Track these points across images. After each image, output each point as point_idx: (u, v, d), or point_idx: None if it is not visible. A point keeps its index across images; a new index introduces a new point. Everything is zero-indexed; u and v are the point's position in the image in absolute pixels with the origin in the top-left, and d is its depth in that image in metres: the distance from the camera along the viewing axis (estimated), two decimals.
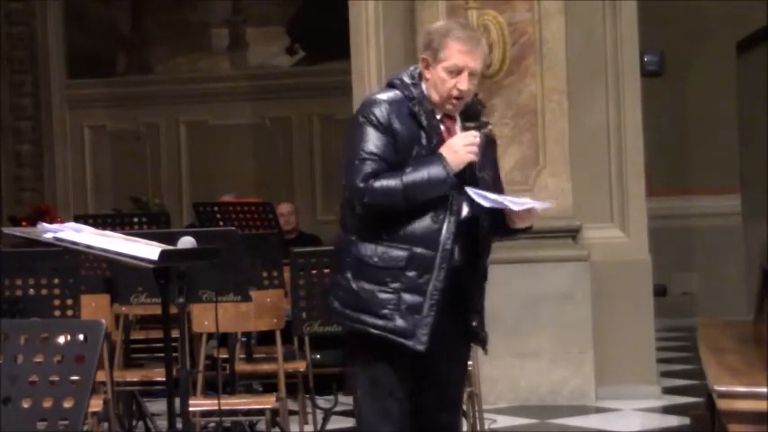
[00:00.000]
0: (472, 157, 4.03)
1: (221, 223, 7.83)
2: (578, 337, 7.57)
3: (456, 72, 4.03)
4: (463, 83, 4.04)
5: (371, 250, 3.99)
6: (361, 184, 3.95)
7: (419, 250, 3.97)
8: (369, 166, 3.96)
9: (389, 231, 3.99)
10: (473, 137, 4.04)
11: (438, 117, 4.09)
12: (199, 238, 4.35)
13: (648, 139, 8.32)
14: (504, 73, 7.69)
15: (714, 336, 4.99)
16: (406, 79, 4.10)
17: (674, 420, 7.05)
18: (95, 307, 5.86)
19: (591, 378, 7.58)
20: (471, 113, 4.15)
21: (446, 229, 3.99)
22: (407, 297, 3.96)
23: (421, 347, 3.98)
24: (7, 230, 4.76)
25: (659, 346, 8.33)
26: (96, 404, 5.52)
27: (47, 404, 2.79)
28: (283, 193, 11.13)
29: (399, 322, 3.96)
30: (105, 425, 5.86)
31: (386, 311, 3.97)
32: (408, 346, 3.97)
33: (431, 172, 3.96)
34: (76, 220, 6.17)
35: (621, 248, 7.83)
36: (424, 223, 3.99)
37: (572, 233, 7.75)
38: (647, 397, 7.63)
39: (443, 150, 4.01)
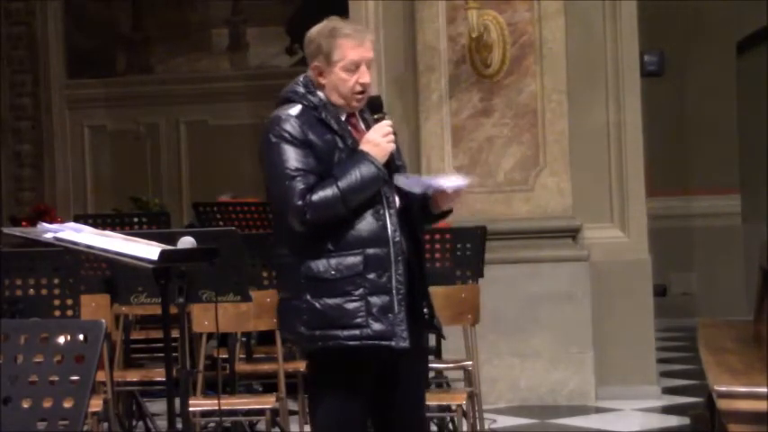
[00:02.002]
0: (393, 147, 4.02)
1: (221, 223, 7.82)
2: (578, 337, 7.58)
3: (354, 68, 4.01)
4: (364, 76, 4.03)
5: (324, 265, 3.92)
6: (300, 203, 3.89)
7: (371, 251, 3.93)
8: (301, 183, 3.91)
9: (335, 241, 3.93)
10: (387, 126, 4.03)
11: (343, 118, 4.06)
12: (199, 238, 4.35)
13: (648, 139, 8.32)
14: (504, 73, 7.69)
15: (714, 336, 5.00)
16: (301, 89, 4.05)
17: (674, 420, 7.06)
18: (95, 307, 5.86)
19: (591, 378, 7.58)
20: (375, 104, 4.11)
21: (390, 222, 3.97)
22: (375, 300, 3.92)
23: (405, 344, 3.94)
24: (7, 230, 4.76)
25: (659, 346, 8.34)
26: (96, 404, 5.52)
27: (47, 404, 2.79)
28: None
29: (376, 326, 3.91)
30: (105, 425, 5.86)
31: (358, 320, 3.91)
32: (392, 347, 3.93)
33: (362, 171, 3.92)
34: (76, 220, 6.17)
35: (621, 248, 7.83)
36: (367, 223, 3.95)
37: (572, 233, 7.76)
38: (647, 397, 7.63)
39: (364, 147, 3.98)
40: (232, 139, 11.92)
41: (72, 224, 4.31)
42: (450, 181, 4.04)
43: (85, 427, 5.35)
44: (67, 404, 2.77)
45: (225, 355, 6.30)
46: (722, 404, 3.64)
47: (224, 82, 12.06)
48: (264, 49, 12.11)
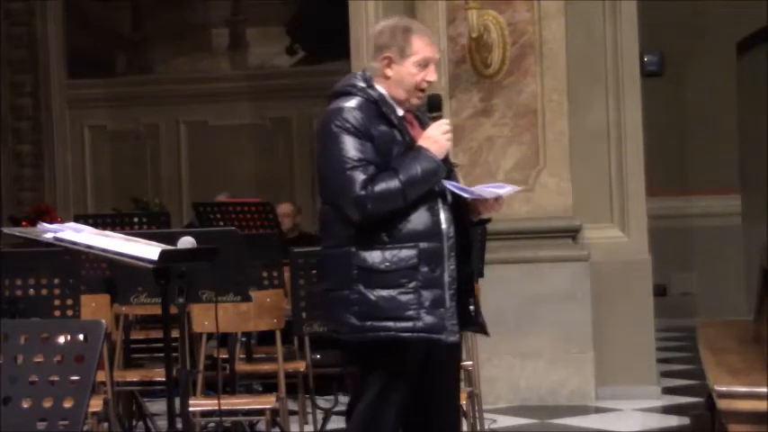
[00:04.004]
0: (450, 144, 4.10)
1: (221, 223, 7.83)
2: (578, 337, 7.57)
3: (425, 65, 4.09)
4: (431, 74, 4.11)
5: (379, 257, 3.96)
6: (362, 192, 3.92)
7: (425, 245, 3.97)
8: (362, 174, 3.94)
9: (390, 233, 3.97)
10: (446, 124, 4.10)
11: (401, 114, 4.11)
12: (199, 238, 4.35)
13: (648, 139, 8.32)
14: (504, 73, 7.69)
15: (714, 336, 4.99)
16: (361, 83, 4.10)
17: (674, 420, 7.06)
18: (95, 307, 5.86)
19: (591, 378, 7.58)
20: (434, 103, 4.19)
21: (444, 219, 4.03)
22: (427, 293, 3.96)
23: (454, 338, 4.02)
24: (7, 230, 4.76)
25: (659, 346, 8.33)
26: (96, 404, 5.51)
27: (47, 404, 2.79)
28: (283, 194, 11.13)
29: (428, 319, 3.96)
30: (105, 425, 5.85)
31: (410, 312, 3.95)
32: (442, 341, 3.99)
33: (423, 166, 3.98)
34: (76, 220, 6.17)
35: (621, 248, 7.83)
36: (422, 218, 4.00)
37: (572, 233, 7.75)
38: (647, 397, 7.63)
39: (424, 143, 4.04)
40: (232, 139, 11.94)
41: (72, 224, 4.31)
42: (496, 190, 4.11)
43: (85, 427, 5.35)
44: (67, 404, 2.77)
45: (225, 355, 6.30)
46: (722, 404, 3.64)
47: (224, 82, 12.07)
48: (264, 49, 12.11)
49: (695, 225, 11.35)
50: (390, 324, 3.96)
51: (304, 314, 5.88)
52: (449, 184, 4.07)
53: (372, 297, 3.96)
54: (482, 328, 4.25)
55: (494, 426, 6.88)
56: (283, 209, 9.19)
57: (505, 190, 4.13)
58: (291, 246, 6.92)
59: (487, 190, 4.11)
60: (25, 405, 2.80)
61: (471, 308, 4.13)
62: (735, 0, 10.99)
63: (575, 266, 7.63)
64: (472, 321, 4.16)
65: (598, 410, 7.39)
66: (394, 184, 3.94)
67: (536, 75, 7.69)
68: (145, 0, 12.25)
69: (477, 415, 6.17)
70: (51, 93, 12.31)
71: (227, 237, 5.31)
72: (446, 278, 3.99)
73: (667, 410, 7.39)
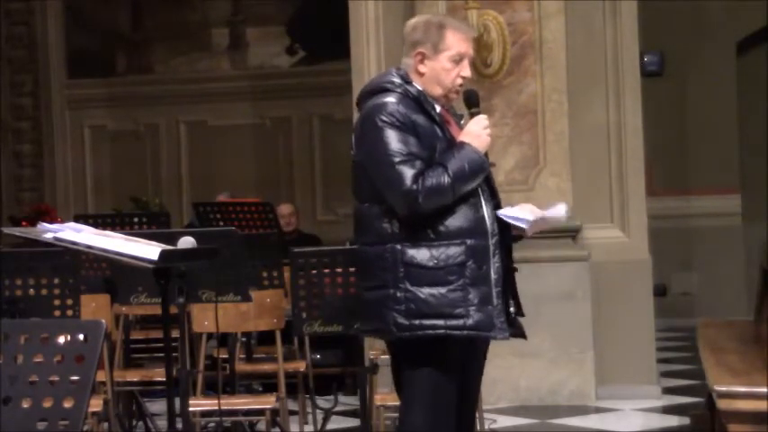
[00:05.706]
0: (490, 140, 4.05)
1: (221, 223, 7.83)
2: (578, 337, 7.57)
3: (459, 60, 4.05)
4: (466, 69, 4.07)
5: (427, 254, 3.91)
6: (414, 186, 3.87)
7: (471, 242, 3.93)
8: (412, 168, 3.89)
9: (436, 230, 3.92)
10: (485, 119, 4.07)
11: (438, 110, 4.07)
12: (199, 238, 4.35)
13: (648, 139, 8.32)
14: (504, 73, 7.69)
15: (714, 336, 4.99)
16: (397, 80, 4.05)
17: (674, 420, 7.05)
18: (95, 307, 5.86)
19: (591, 378, 7.58)
20: (471, 98, 4.17)
21: (488, 216, 4.00)
22: (475, 290, 3.92)
23: (504, 335, 3.99)
24: (7, 230, 4.77)
25: (659, 346, 8.33)
26: (96, 404, 5.52)
27: (47, 404, 2.79)
28: (283, 194, 11.14)
29: (477, 316, 3.92)
30: (105, 425, 5.86)
31: (459, 310, 3.90)
32: (492, 338, 3.98)
33: (470, 161, 3.94)
34: (76, 220, 6.17)
35: (621, 248, 7.83)
36: (467, 215, 3.96)
37: (572, 233, 7.75)
38: (647, 397, 7.63)
39: (466, 138, 4.01)
40: (232, 139, 11.93)
41: (72, 224, 4.31)
42: (551, 215, 4.14)
43: (85, 427, 5.35)
44: (67, 404, 2.77)
45: (225, 355, 6.30)
46: (722, 404, 3.64)
47: (224, 82, 12.06)
48: (264, 49, 12.11)
49: (695, 225, 11.35)
50: (440, 322, 3.90)
51: (304, 314, 5.86)
52: (504, 215, 4.04)
53: (422, 295, 3.89)
54: (520, 332, 4.18)
55: (494, 426, 6.88)
56: (283, 209, 9.20)
57: (561, 214, 4.14)
58: (291, 246, 6.92)
59: (545, 217, 4.10)
60: (25, 405, 2.80)
61: (512, 309, 4.10)
62: (735, 0, 10.99)
63: (575, 266, 7.63)
64: (512, 323, 4.11)
65: (598, 410, 7.39)
66: (444, 179, 3.88)
67: (536, 75, 7.68)
68: (145, 0, 12.25)
69: (477, 415, 6.16)
70: (51, 93, 12.31)
71: (227, 237, 5.31)
72: (492, 275, 3.97)
73: (667, 410, 7.39)
